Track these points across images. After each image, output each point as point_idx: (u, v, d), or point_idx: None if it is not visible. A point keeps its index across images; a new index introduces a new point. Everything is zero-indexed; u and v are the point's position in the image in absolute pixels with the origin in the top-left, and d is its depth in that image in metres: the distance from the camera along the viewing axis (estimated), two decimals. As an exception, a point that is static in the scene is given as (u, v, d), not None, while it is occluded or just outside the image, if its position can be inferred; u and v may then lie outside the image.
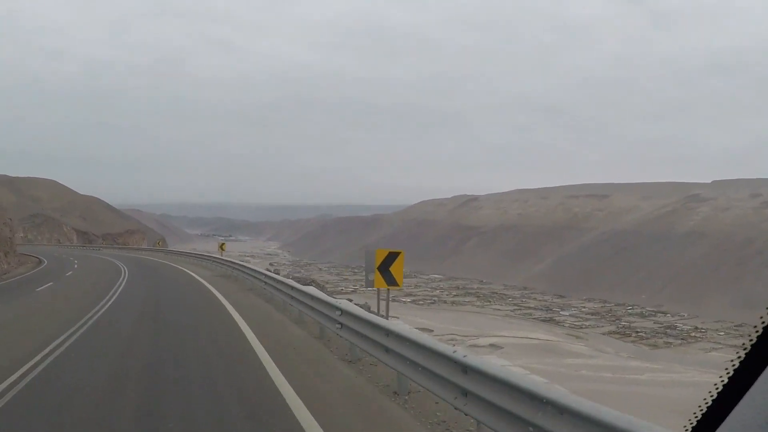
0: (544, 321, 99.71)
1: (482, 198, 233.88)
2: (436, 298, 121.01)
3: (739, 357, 2.23)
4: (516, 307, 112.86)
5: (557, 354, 70.34)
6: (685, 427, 2.48)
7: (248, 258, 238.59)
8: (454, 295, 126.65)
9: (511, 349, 71.02)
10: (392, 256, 17.15)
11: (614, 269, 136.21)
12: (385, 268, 16.97)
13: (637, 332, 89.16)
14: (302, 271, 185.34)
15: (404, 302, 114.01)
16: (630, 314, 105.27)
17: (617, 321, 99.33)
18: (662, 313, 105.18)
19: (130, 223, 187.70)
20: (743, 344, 2.21)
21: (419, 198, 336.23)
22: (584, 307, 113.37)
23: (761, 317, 2.14)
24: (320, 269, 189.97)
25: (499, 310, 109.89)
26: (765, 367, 2.13)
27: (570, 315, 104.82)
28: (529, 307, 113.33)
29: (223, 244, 54.63)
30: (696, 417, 2.40)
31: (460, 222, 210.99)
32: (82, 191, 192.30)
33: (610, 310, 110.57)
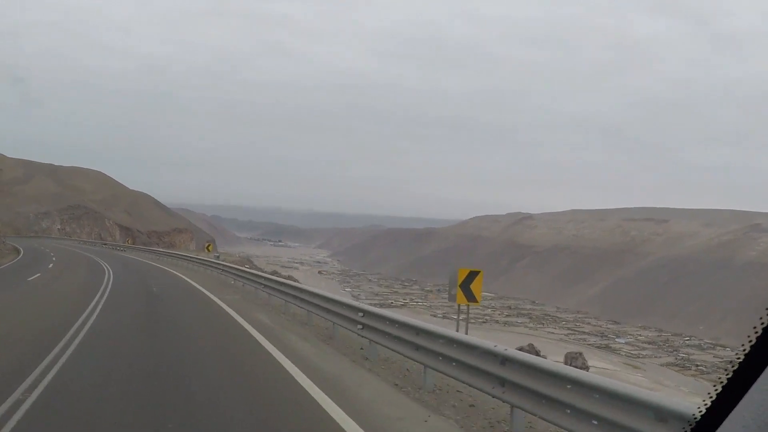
0: (599, 348, 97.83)
1: (537, 216, 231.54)
2: (488, 317, 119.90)
3: (739, 357, 2.23)
4: (570, 332, 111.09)
5: (615, 385, 68.67)
6: (684, 428, 2.47)
7: (297, 265, 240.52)
8: (506, 315, 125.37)
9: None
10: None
11: (671, 297, 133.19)
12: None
13: (697, 366, 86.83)
14: (351, 281, 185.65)
15: (455, 319, 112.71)
16: (688, 345, 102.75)
17: (675, 352, 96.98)
18: (721, 346, 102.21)
19: (178, 222, 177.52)
20: (743, 345, 2.21)
21: (471, 213, 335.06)
22: (640, 336, 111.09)
23: (761, 318, 2.14)
24: (369, 280, 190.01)
25: (552, 333, 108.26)
26: (765, 367, 2.14)
27: (626, 343, 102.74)
28: (584, 332, 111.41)
29: (209, 245, 52.17)
30: (696, 418, 2.40)
31: (514, 240, 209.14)
32: (131, 187, 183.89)
33: (667, 339, 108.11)
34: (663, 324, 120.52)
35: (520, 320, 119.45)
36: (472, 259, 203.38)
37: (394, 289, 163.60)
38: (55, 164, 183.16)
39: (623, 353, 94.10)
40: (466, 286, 18.09)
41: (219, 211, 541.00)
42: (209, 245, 48.58)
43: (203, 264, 42.75)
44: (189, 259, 48.62)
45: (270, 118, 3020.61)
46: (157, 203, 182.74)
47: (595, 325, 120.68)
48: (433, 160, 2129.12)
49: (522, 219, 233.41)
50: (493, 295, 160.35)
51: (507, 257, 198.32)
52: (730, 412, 2.20)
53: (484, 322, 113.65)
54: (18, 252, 59.30)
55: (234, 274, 33.29)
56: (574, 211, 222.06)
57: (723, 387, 2.27)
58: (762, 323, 2.13)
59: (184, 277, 37.96)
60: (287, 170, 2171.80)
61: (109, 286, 28.81)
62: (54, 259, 50.94)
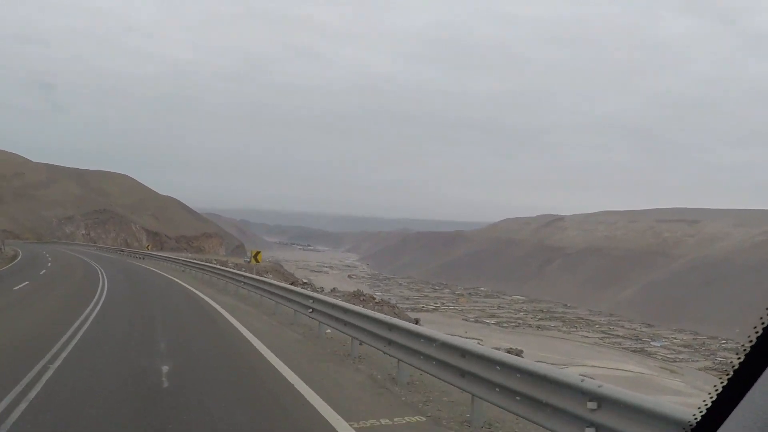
0: (634, 351, 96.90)
1: (567, 218, 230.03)
2: (520, 321, 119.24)
3: (739, 357, 2.22)
4: (604, 335, 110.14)
5: (653, 389, 67.87)
6: (684, 428, 2.46)
7: (326, 269, 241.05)
8: (539, 319, 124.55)
9: (603, 381, 68.57)
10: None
11: (705, 299, 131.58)
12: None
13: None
14: (381, 285, 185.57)
15: (488, 324, 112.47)
16: (724, 349, 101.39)
17: (712, 356, 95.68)
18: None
19: (207, 227, 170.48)
20: (743, 345, 2.21)
21: (500, 215, 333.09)
22: (675, 339, 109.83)
23: (761, 318, 2.14)
24: (399, 284, 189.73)
25: (586, 337, 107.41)
26: (765, 368, 2.14)
27: (661, 346, 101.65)
28: (618, 336, 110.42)
29: (258, 253, 33.38)
30: (696, 418, 2.38)
31: (545, 242, 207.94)
32: (158, 191, 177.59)
33: (703, 343, 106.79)
34: (697, 327, 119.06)
35: (552, 324, 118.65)
36: (502, 261, 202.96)
37: (425, 293, 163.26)
38: (81, 168, 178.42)
39: (659, 357, 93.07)
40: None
41: (247, 216, 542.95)
42: (257, 253, 28.39)
43: (258, 287, 24.23)
44: (232, 277, 30.03)
45: (297, 121, 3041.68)
46: (185, 207, 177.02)
47: (628, 329, 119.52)
48: (461, 163, 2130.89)
49: (552, 221, 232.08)
50: (524, 298, 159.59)
51: (538, 260, 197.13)
52: (730, 412, 2.19)
53: (517, 326, 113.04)
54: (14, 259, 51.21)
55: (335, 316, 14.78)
56: (605, 213, 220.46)
57: (723, 387, 2.26)
58: (762, 323, 2.13)
59: (231, 320, 18.99)
60: (315, 174, 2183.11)
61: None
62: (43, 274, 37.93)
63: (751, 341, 2.18)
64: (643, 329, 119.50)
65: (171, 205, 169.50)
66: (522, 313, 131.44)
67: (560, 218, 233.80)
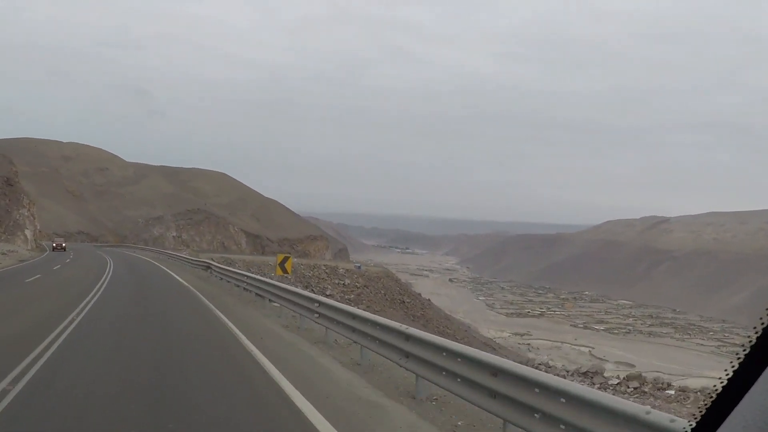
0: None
1: (673, 220, 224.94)
2: (630, 327, 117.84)
3: (739, 357, 2.24)
4: (720, 343, 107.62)
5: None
6: (684, 428, 2.51)
7: (426, 272, 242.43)
8: (649, 325, 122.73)
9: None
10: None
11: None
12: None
13: None
14: (483, 289, 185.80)
15: (597, 330, 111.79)
16: None
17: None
18: None
19: (311, 229, 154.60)
20: (743, 345, 2.23)
21: (602, 217, 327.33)
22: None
23: (761, 318, 2.14)
24: (502, 288, 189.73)
25: (702, 345, 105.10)
26: (765, 367, 2.14)
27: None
28: (736, 344, 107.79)
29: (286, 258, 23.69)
30: (696, 418, 2.44)
31: (650, 245, 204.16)
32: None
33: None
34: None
35: (664, 330, 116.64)
36: (607, 264, 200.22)
37: (528, 297, 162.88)
38: (173, 166, 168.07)
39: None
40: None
41: (344, 219, 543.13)
42: (284, 259, 19.97)
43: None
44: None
45: (392, 123, 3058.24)
46: (286, 209, 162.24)
47: (745, 336, 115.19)
48: (559, 164, 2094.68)
49: (657, 223, 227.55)
50: (630, 302, 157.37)
51: (643, 263, 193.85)
52: (730, 412, 2.23)
53: (627, 333, 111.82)
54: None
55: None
56: (712, 214, 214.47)
57: (723, 387, 2.29)
58: (762, 323, 2.15)
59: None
60: (412, 177, 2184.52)
61: None
62: None
63: (750, 341, 2.20)
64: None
65: (272, 206, 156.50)
66: (631, 319, 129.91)
67: (665, 220, 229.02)
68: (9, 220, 71.55)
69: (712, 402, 2.33)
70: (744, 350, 2.21)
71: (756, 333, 2.18)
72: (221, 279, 30.44)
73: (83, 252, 66.78)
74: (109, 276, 32.20)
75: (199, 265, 40.49)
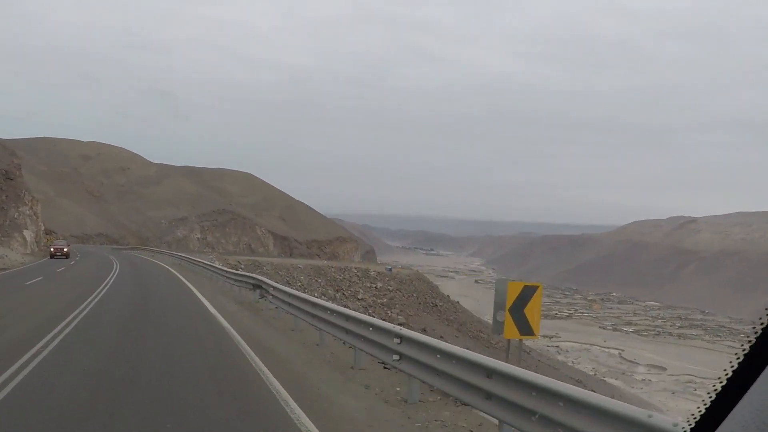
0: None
1: (701, 220, 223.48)
2: (659, 329, 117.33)
3: (739, 357, 2.24)
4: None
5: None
6: (683, 428, 2.50)
7: (452, 274, 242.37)
8: (679, 327, 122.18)
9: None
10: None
11: None
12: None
13: None
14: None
15: (626, 332, 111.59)
16: None
17: None
18: None
19: (339, 231, 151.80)
20: (743, 344, 2.24)
21: (628, 218, 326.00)
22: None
23: (761, 318, 2.15)
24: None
25: (733, 348, 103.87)
26: (765, 367, 2.15)
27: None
28: None
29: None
30: (695, 417, 2.43)
31: (677, 245, 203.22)
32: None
33: None
34: None
35: (694, 332, 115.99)
36: (634, 265, 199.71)
37: (556, 299, 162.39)
38: (197, 166, 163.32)
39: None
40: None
41: (369, 220, 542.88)
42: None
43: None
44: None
45: (416, 124, 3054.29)
46: (312, 210, 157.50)
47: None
48: (583, 164, 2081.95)
49: (685, 223, 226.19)
50: (658, 304, 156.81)
51: (671, 264, 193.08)
52: (729, 412, 2.22)
53: (657, 335, 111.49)
54: None
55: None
56: (740, 214, 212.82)
57: (723, 387, 2.28)
58: (762, 323, 2.15)
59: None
60: (435, 178, 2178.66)
61: None
62: None
63: (750, 341, 2.20)
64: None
65: (299, 207, 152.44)
66: (660, 321, 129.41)
67: (693, 220, 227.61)
68: (5, 218, 62.57)
69: (711, 402, 2.35)
70: (744, 350, 2.23)
71: (755, 333, 2.19)
72: (276, 307, 19.32)
73: (90, 258, 56.88)
74: (87, 309, 18.69)
75: (241, 281, 26.85)
